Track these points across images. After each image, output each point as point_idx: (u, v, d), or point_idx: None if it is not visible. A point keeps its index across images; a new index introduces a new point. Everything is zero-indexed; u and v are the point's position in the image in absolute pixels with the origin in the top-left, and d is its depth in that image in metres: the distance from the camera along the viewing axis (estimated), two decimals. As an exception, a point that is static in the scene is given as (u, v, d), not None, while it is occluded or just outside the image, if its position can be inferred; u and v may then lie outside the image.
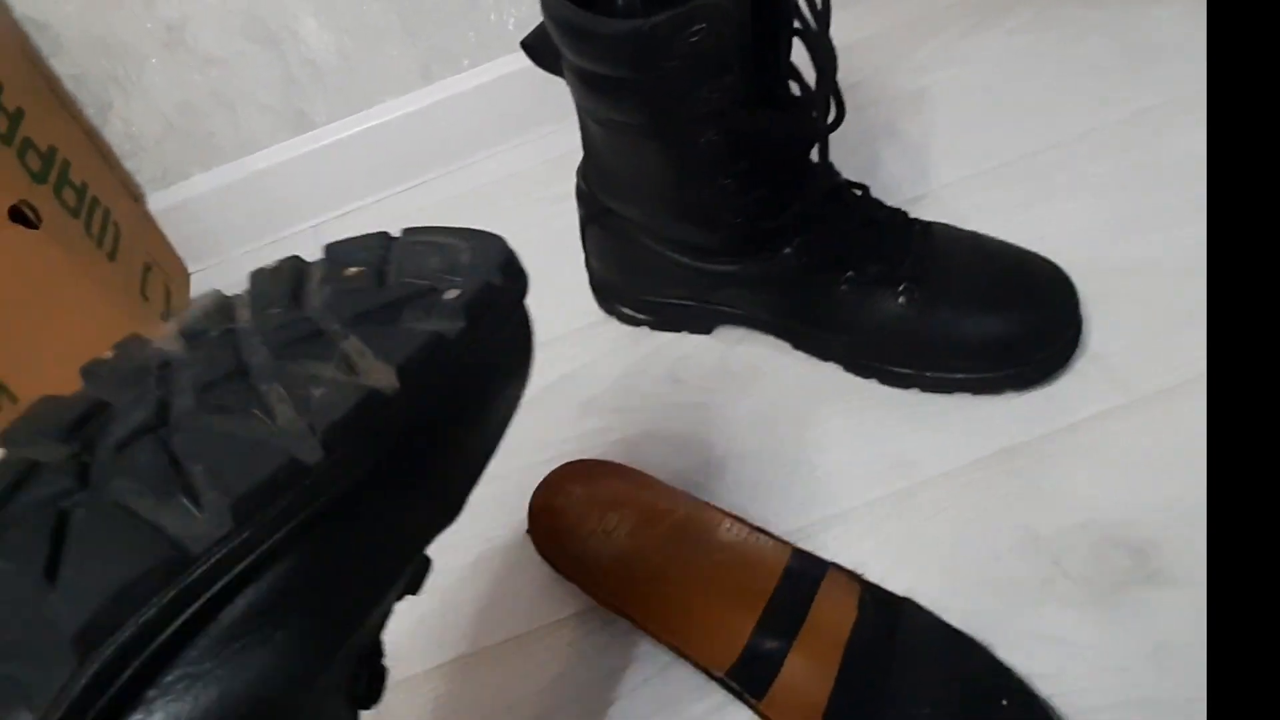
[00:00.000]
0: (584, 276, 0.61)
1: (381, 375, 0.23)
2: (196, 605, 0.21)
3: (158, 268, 0.71)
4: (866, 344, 0.49)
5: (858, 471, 0.48)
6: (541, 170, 0.73)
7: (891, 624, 0.41)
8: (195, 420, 0.23)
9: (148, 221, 0.73)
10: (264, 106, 0.71)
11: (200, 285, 0.76)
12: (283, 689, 0.22)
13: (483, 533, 0.51)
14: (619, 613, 0.45)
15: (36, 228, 0.58)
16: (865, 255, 0.47)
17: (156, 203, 0.74)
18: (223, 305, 0.27)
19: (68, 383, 0.69)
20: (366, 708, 0.28)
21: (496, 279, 0.26)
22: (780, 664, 0.40)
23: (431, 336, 0.24)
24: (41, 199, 0.58)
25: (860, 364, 0.50)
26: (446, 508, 0.28)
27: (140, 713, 0.20)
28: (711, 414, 0.53)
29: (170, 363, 0.25)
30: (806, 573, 0.43)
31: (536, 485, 0.49)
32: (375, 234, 0.28)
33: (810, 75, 0.44)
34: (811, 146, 0.45)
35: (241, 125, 0.72)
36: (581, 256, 0.60)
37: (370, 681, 0.27)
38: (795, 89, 0.44)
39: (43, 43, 0.65)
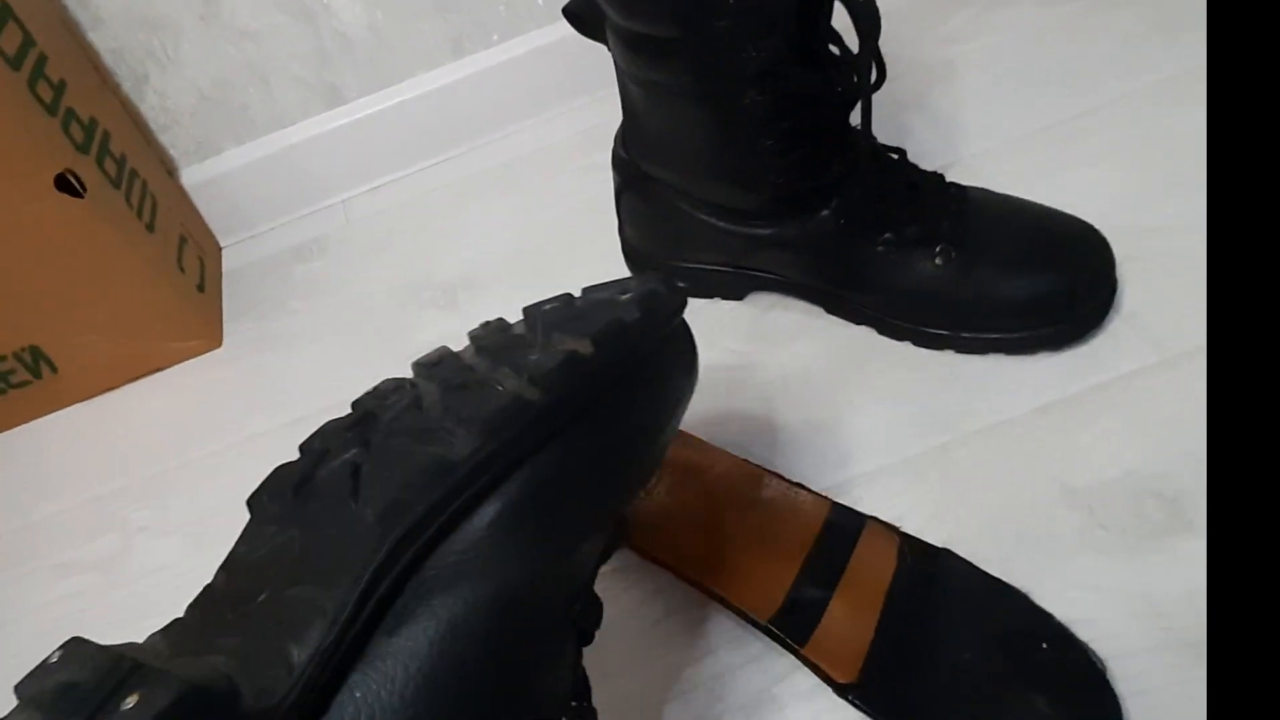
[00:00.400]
0: (616, 245, 0.62)
1: (579, 344, 0.30)
2: (463, 497, 0.28)
3: (192, 240, 0.72)
4: (902, 305, 0.49)
5: (893, 430, 0.48)
6: (572, 143, 0.74)
7: (930, 573, 0.41)
8: (444, 399, 0.30)
9: (181, 195, 0.74)
10: (297, 80, 0.72)
11: (232, 259, 0.77)
12: (528, 581, 0.29)
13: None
14: (659, 564, 0.46)
15: (81, 197, 0.59)
16: (902, 217, 0.47)
17: (189, 177, 0.75)
18: (447, 351, 0.34)
19: (108, 353, 0.70)
20: (585, 642, 0.34)
21: (660, 288, 0.34)
22: (822, 612, 0.41)
23: (615, 320, 0.31)
24: (85, 169, 0.59)
25: (894, 326, 0.51)
26: (639, 460, 0.34)
27: (420, 589, 0.27)
28: (745, 376, 0.54)
29: (416, 383, 0.33)
30: (846, 525, 0.44)
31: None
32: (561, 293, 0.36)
33: (850, 38, 0.44)
34: (852, 108, 0.45)
35: (274, 99, 0.73)
36: (613, 226, 0.61)
37: (588, 612, 0.33)
38: (836, 51, 0.44)
39: (83, 17, 0.66)
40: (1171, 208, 0.53)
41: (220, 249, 0.78)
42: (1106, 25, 0.65)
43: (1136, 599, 0.40)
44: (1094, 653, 0.38)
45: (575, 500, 0.31)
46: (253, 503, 0.31)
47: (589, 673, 0.44)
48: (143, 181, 0.67)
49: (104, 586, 0.57)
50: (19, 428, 0.68)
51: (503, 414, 0.28)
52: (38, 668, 0.24)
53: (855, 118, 0.47)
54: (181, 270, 0.69)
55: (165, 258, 0.67)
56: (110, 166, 0.63)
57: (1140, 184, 0.55)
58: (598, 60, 0.50)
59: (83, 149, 0.60)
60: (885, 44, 0.44)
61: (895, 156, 0.49)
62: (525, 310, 0.34)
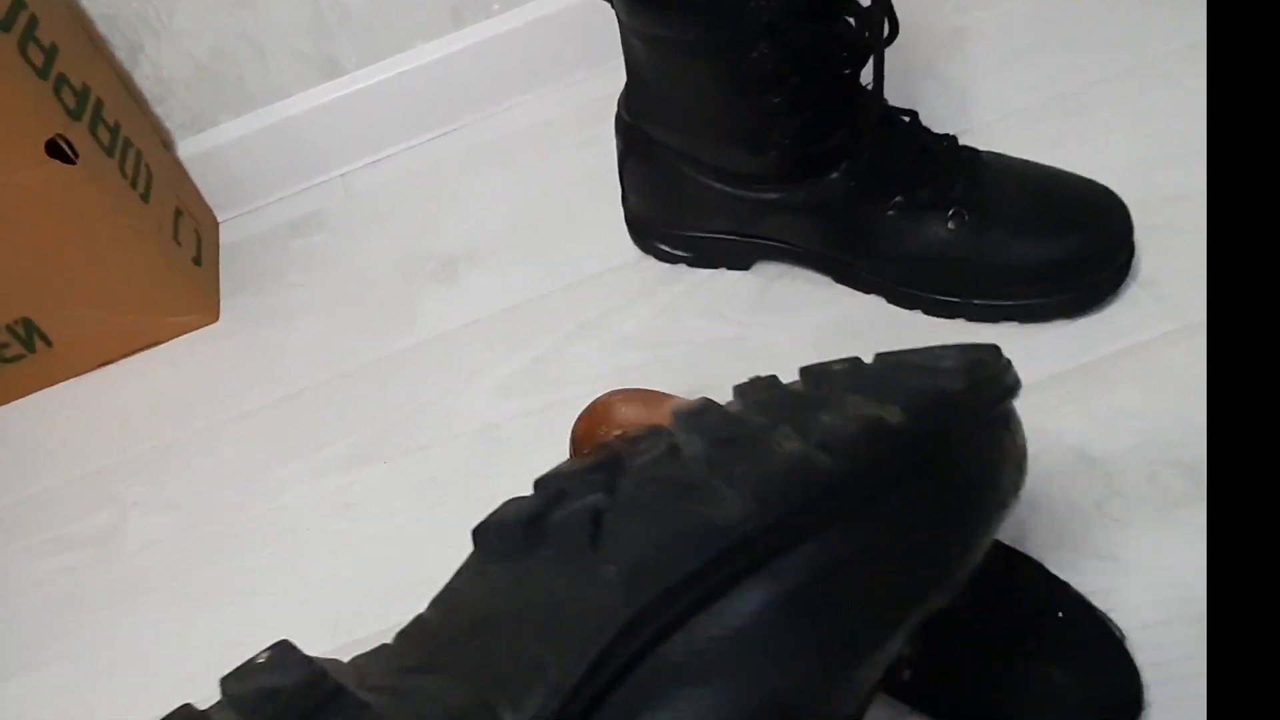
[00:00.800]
0: (618, 218, 0.60)
1: (885, 410, 0.25)
2: (729, 569, 0.23)
3: (188, 213, 0.71)
4: (913, 272, 0.48)
5: (904, 399, 0.47)
6: (574, 116, 0.72)
7: (943, 543, 0.40)
8: (709, 452, 0.26)
9: (177, 167, 0.73)
10: (294, 50, 0.71)
11: (229, 233, 0.76)
12: (798, 692, 0.24)
13: (519, 463, 0.51)
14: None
15: (73, 163, 0.57)
16: (914, 179, 0.46)
17: (185, 149, 0.73)
18: (710, 401, 0.30)
19: (102, 327, 0.68)
20: None
21: (989, 358, 0.28)
22: (831, 582, 0.40)
23: (934, 388, 0.26)
24: (77, 135, 0.58)
25: (904, 294, 0.50)
26: (947, 563, 0.28)
27: (662, 673, 0.23)
28: (753, 346, 0.52)
29: (673, 431, 0.29)
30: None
31: (580, 412, 0.49)
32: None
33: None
34: (863, 64, 0.44)
35: (271, 70, 0.71)
36: (615, 199, 0.60)
37: None
38: (847, 4, 0.43)
39: (75, -18, 0.64)
40: (1188, 176, 0.52)
41: (217, 222, 0.77)
42: (1122, -8, 0.64)
43: (1155, 569, 0.39)
44: (1112, 622, 0.37)
45: (868, 597, 0.25)
46: (478, 535, 0.28)
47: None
48: (137, 151, 0.66)
49: (98, 562, 0.56)
50: (13, 403, 0.67)
51: (786, 479, 0.24)
52: (244, 665, 0.23)
53: (866, 77, 0.46)
54: (177, 243, 0.68)
55: (160, 230, 0.66)
56: (103, 134, 0.62)
57: (1156, 153, 0.54)
58: (601, 31, 0.49)
59: (75, 115, 0.59)
60: (898, 11, 0.43)
61: (907, 119, 0.47)
62: (804, 370, 0.30)
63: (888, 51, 0.44)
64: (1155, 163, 0.53)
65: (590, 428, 0.49)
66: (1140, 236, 0.48)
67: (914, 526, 0.26)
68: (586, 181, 0.66)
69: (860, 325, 0.51)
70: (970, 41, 0.65)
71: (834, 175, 0.46)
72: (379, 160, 0.77)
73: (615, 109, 0.55)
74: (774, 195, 0.49)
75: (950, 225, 0.46)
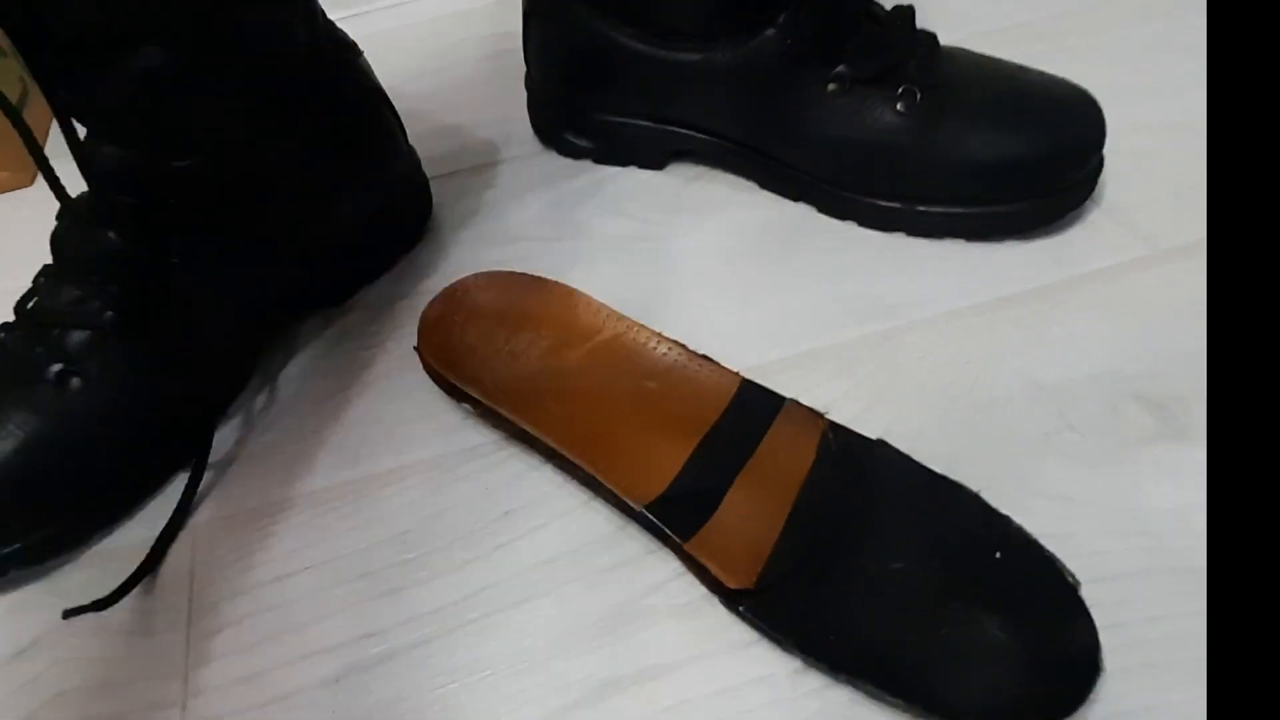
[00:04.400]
0: (522, 115, 0.52)
1: None
2: None
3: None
4: (851, 166, 0.41)
5: (830, 312, 0.39)
6: (487, 10, 0.64)
7: (859, 467, 0.32)
8: None
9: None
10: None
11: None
12: None
13: (360, 353, 0.42)
14: (527, 442, 0.36)
15: None
16: (860, 49, 0.39)
17: None
18: None
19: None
20: None
21: None
22: (717, 502, 0.31)
23: None
24: None
25: (837, 199, 0.42)
26: None
27: None
28: (659, 247, 0.44)
29: None
30: (758, 405, 0.34)
31: (434, 296, 0.40)
32: None
33: None
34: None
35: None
36: (521, 98, 0.52)
37: None
38: None
39: None
40: (1158, 108, 0.46)
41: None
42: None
43: (1116, 513, 0.31)
44: (1065, 566, 0.29)
45: None
46: None
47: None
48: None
49: None
50: None
51: None
52: None
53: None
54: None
55: None
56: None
57: (1130, 83, 0.48)
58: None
59: None
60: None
61: (859, -15, 0.40)
62: None
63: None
64: (1123, 93, 0.47)
65: (444, 313, 0.40)
66: (1109, 163, 0.42)
67: None
68: (492, 75, 0.58)
69: (785, 232, 0.43)
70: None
71: (769, 32, 0.39)
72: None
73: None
74: (697, 56, 0.41)
75: (899, 108, 0.39)
